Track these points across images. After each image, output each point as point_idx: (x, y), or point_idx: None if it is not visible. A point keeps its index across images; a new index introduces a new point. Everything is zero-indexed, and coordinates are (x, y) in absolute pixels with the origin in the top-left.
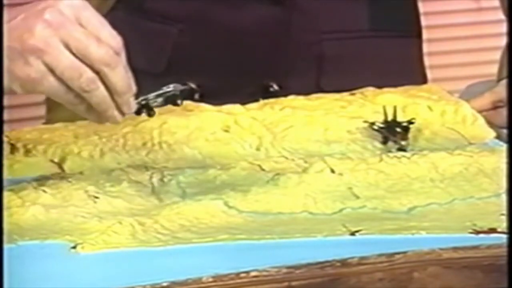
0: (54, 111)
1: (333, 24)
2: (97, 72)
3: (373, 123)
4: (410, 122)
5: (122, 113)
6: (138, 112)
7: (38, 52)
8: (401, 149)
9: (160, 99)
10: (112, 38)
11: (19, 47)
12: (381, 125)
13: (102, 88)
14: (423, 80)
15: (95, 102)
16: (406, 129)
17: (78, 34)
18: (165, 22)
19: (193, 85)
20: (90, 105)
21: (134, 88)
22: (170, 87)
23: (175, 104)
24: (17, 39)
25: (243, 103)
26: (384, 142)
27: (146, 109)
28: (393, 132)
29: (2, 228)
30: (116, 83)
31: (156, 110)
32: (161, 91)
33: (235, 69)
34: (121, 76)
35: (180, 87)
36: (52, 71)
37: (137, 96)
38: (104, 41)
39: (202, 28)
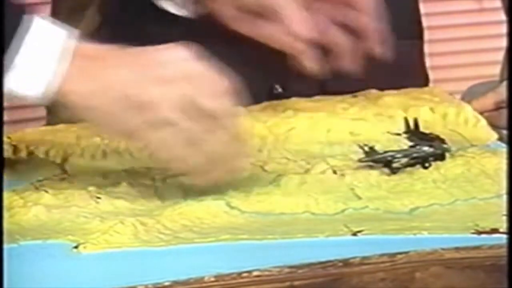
0: (55, 113)
1: None
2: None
3: (398, 134)
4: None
5: None
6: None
7: (142, 108)
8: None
9: (405, 160)
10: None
11: (128, 100)
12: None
13: None
14: (425, 81)
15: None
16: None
17: (186, 89)
18: (169, 24)
19: None
20: None
21: None
22: (418, 148)
23: (424, 167)
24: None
25: (246, 105)
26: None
27: (387, 166)
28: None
29: (2, 228)
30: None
31: None
32: (407, 151)
33: (238, 71)
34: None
35: (427, 149)
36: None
37: None
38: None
39: (206, 30)
